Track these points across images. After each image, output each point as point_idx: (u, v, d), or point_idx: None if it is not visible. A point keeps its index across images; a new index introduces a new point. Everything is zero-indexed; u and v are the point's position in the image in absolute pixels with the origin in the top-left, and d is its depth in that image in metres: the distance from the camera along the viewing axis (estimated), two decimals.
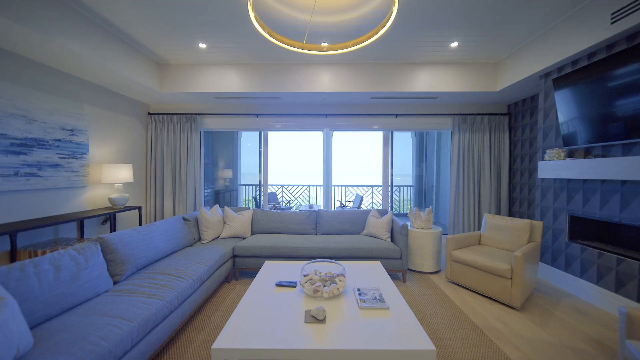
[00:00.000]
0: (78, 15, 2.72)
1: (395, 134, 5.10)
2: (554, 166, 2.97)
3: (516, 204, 4.44)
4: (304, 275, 2.01)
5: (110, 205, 3.71)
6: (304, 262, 2.60)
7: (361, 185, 7.74)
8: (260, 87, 3.99)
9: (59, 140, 3.12)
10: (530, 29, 3.04)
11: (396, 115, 4.70)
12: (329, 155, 4.91)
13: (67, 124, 3.20)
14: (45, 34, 2.43)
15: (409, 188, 7.69)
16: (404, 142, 8.12)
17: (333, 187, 7.14)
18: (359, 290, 1.96)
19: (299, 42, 2.50)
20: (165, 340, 1.84)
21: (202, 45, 3.46)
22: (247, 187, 7.83)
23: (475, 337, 2.11)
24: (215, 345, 1.39)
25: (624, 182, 2.48)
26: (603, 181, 2.64)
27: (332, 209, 5.76)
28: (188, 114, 4.63)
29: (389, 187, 5.04)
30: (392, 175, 5.08)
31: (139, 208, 3.89)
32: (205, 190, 6.16)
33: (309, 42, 3.27)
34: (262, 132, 5.00)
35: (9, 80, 2.67)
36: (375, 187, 7.69)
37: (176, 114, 4.63)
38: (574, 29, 2.73)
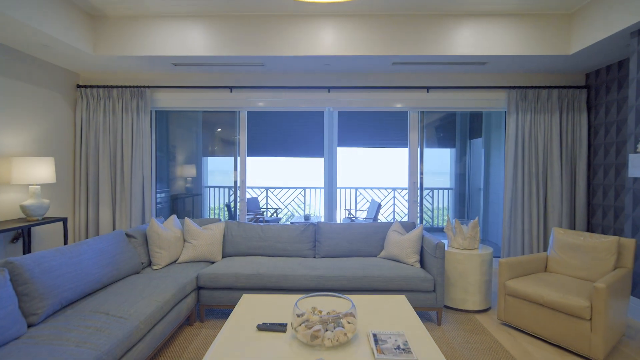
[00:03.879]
0: None
1: (427, 115, 5.09)
2: None
3: (597, 214, 4.44)
4: (298, 315, 2.02)
5: (24, 215, 3.71)
6: (297, 296, 2.61)
7: (378, 188, 7.74)
8: (235, 49, 3.99)
9: None
10: None
11: (428, 88, 4.70)
12: (332, 146, 4.91)
13: None
14: None
15: (445, 192, 7.69)
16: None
17: (339, 191, 7.13)
18: (375, 335, 1.97)
19: None
20: None
21: None
22: (216, 190, 7.83)
23: None
24: None
25: None
26: None
27: (338, 220, 5.76)
28: (134, 86, 4.63)
29: (418, 191, 5.04)
30: (421, 173, 5.08)
31: (65, 220, 3.89)
32: (159, 195, 6.17)
33: None
34: (239, 113, 5.00)
35: None
36: (398, 191, 7.69)
37: (117, 86, 4.63)
38: None
